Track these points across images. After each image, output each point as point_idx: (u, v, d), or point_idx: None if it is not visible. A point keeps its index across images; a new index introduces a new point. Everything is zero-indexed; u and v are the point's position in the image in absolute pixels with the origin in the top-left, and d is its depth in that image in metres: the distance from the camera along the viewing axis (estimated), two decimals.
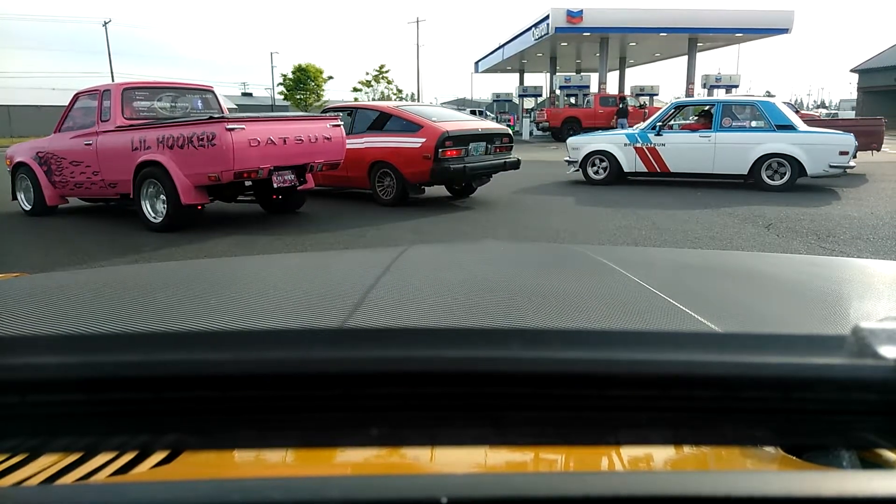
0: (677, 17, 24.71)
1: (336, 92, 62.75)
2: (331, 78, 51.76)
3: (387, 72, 51.54)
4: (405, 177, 7.40)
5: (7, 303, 0.83)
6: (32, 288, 0.96)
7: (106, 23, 44.18)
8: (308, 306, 0.75)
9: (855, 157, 10.69)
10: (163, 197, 6.09)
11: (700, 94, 27.10)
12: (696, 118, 10.07)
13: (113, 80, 40.85)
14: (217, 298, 0.82)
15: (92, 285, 0.98)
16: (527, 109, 32.49)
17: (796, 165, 8.39)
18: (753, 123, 8.95)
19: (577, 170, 9.81)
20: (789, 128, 8.54)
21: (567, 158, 10.04)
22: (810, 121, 12.48)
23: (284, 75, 49.81)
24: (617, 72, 33.45)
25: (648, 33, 25.70)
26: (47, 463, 0.56)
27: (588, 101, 24.95)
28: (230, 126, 5.69)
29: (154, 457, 0.57)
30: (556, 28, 24.23)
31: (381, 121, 7.76)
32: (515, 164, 8.18)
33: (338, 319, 0.68)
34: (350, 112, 8.20)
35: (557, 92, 28.62)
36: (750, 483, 0.27)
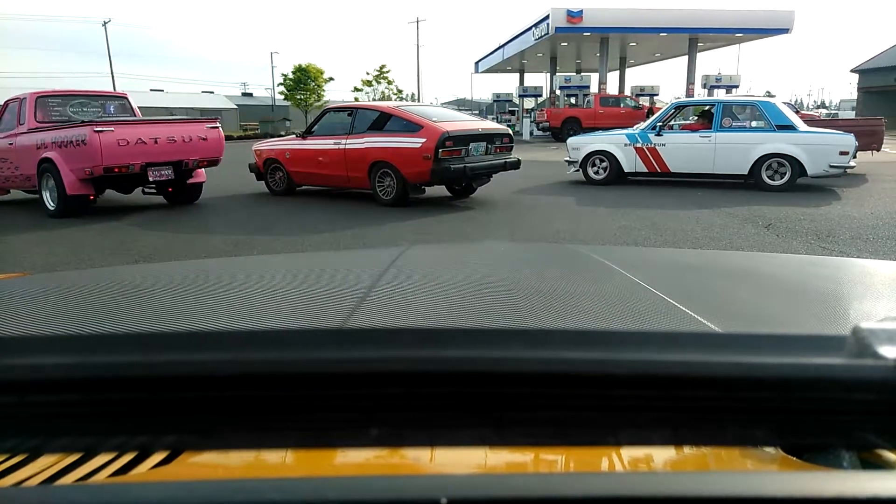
0: (677, 17, 24.71)
1: (336, 92, 62.77)
2: (331, 78, 51.75)
3: (387, 72, 51.54)
4: (405, 177, 7.42)
5: (7, 303, 0.83)
6: (32, 288, 0.96)
7: (106, 23, 44.19)
8: (308, 306, 0.75)
9: (855, 157, 10.71)
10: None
11: (700, 94, 27.10)
12: (696, 118, 10.08)
13: (113, 80, 40.92)
14: (217, 298, 0.82)
15: (92, 285, 0.98)
16: (527, 109, 32.50)
17: (797, 165, 8.41)
18: (754, 123, 8.97)
19: (578, 170, 9.83)
20: (790, 128, 8.57)
21: (567, 158, 10.06)
22: (810, 121, 12.48)
23: (285, 75, 49.82)
24: (617, 72, 33.45)
25: (648, 33, 25.70)
26: (47, 463, 0.56)
27: (588, 102, 24.94)
28: (98, 129, 6.86)
29: (154, 457, 0.57)
30: (556, 28, 24.22)
31: (382, 121, 7.77)
32: (516, 164, 8.21)
33: (338, 319, 0.68)
34: (350, 112, 8.27)
35: (557, 92, 28.62)
36: (750, 483, 0.27)
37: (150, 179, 7.39)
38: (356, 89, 52.00)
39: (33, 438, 0.32)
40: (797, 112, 14.76)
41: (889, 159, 13.31)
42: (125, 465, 0.57)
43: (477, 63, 43.05)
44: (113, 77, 41.96)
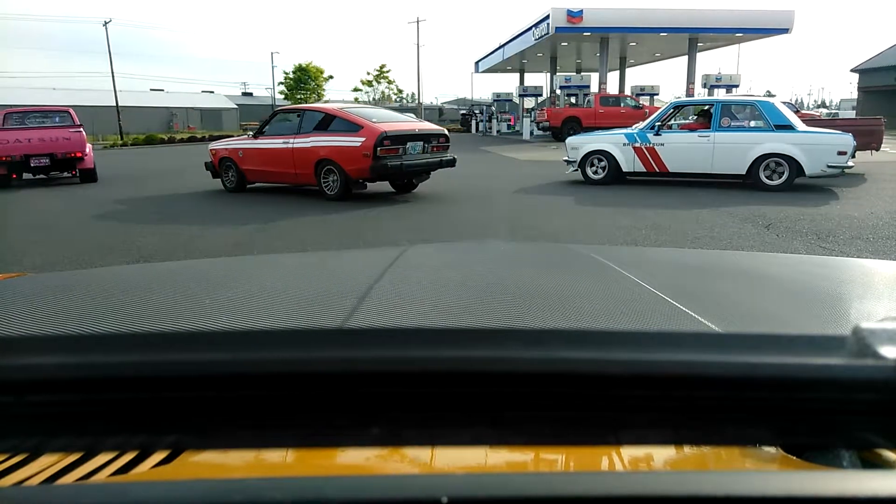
0: (677, 17, 24.69)
1: (337, 92, 62.86)
2: (331, 77, 51.85)
3: (387, 72, 51.63)
4: (348, 173, 8.05)
5: (7, 303, 0.83)
6: (32, 288, 0.96)
7: (106, 23, 44.15)
8: (308, 306, 0.75)
9: (854, 156, 10.71)
10: None
11: (700, 93, 27.08)
12: (695, 118, 10.05)
13: (113, 80, 40.87)
14: (217, 298, 0.82)
15: (92, 285, 0.98)
16: (527, 109, 32.48)
17: (794, 165, 8.42)
18: (752, 123, 8.97)
19: (576, 169, 9.85)
20: (788, 128, 8.57)
21: (566, 158, 10.11)
22: (811, 120, 12.46)
23: (286, 73, 49.87)
24: (617, 72, 33.44)
25: (648, 33, 25.68)
26: (47, 463, 0.56)
27: (588, 101, 24.93)
28: None
29: (154, 457, 0.57)
30: (556, 28, 24.21)
31: (326, 122, 8.40)
32: (451, 162, 8.82)
33: (338, 319, 0.68)
34: (298, 114, 8.96)
35: (558, 92, 28.61)
36: (750, 483, 0.27)
37: (32, 165, 11.44)
38: (356, 89, 52.10)
39: (33, 438, 0.32)
40: (797, 112, 14.73)
41: (889, 159, 13.31)
42: (125, 465, 0.57)
43: (477, 63, 43.04)
44: (113, 77, 41.88)
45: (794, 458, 0.53)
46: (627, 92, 28.86)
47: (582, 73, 30.00)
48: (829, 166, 8.31)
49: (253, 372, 0.31)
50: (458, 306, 0.75)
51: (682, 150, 9.12)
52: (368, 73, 61.10)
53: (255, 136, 9.32)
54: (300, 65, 49.65)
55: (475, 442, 0.37)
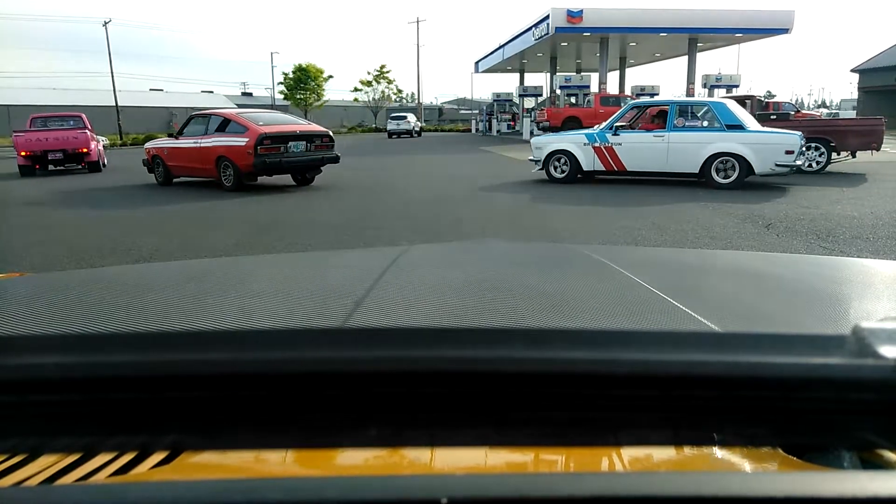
0: (677, 17, 24.70)
1: (336, 92, 62.82)
2: (331, 77, 51.84)
3: (387, 72, 51.64)
4: (239, 168, 9.66)
5: (7, 303, 0.83)
6: (32, 288, 0.96)
7: (106, 23, 44.14)
8: (308, 306, 0.75)
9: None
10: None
11: (700, 93, 27.09)
12: (655, 118, 10.27)
13: (113, 80, 40.94)
14: (217, 298, 0.82)
15: (91, 285, 0.98)
16: (527, 109, 32.48)
17: (744, 164, 8.66)
18: (705, 123, 9.23)
19: (541, 168, 10.12)
20: (738, 127, 8.83)
21: (531, 158, 10.40)
22: (811, 120, 12.48)
23: (286, 74, 49.88)
24: (617, 72, 33.45)
25: (648, 33, 25.69)
26: (47, 463, 0.56)
27: (588, 101, 24.93)
28: (15, 132, 15.09)
29: (154, 457, 0.57)
30: (556, 28, 24.21)
31: (224, 124, 10.07)
32: (335, 159, 10.36)
33: (338, 319, 0.68)
34: (206, 117, 10.58)
35: (558, 92, 28.62)
36: (750, 483, 0.27)
37: (49, 158, 14.65)
38: (356, 89, 52.08)
39: (33, 438, 0.32)
40: (797, 112, 14.66)
41: (889, 159, 13.30)
42: (125, 465, 0.57)
43: (477, 63, 43.04)
44: (113, 77, 41.87)
45: (794, 458, 0.53)
46: (627, 92, 28.86)
47: (582, 73, 30.00)
48: (777, 165, 8.54)
49: (253, 372, 0.31)
50: (459, 306, 0.75)
51: (639, 149, 9.44)
52: (368, 73, 61.12)
53: (176, 137, 10.95)
54: (300, 65, 49.73)
55: (475, 442, 0.37)
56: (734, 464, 0.53)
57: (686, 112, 9.43)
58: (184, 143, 10.60)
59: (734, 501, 0.25)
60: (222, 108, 11.24)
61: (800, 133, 8.85)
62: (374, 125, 53.31)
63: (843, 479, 0.30)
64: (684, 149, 9.07)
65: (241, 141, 9.55)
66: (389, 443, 0.41)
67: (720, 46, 30.40)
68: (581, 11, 23.97)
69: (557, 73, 31.14)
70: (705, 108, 9.44)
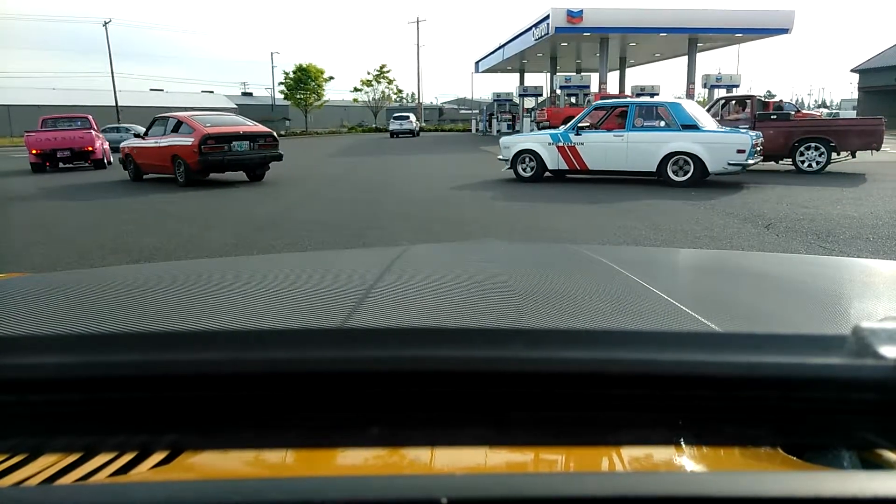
0: (677, 17, 24.68)
1: (337, 92, 62.83)
2: (331, 78, 51.79)
3: (388, 72, 51.61)
4: (188, 165, 10.77)
5: (7, 303, 0.83)
6: (32, 288, 0.96)
7: (106, 23, 44.16)
8: (308, 306, 0.75)
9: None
10: None
11: (700, 93, 27.10)
12: (619, 118, 10.63)
13: (113, 80, 41.00)
14: (217, 298, 0.82)
15: (92, 285, 0.98)
16: (527, 109, 32.48)
17: (699, 163, 9.05)
18: (662, 123, 9.56)
19: (510, 167, 10.49)
20: (693, 127, 9.22)
21: (500, 157, 10.76)
22: (810, 120, 12.48)
23: (286, 73, 49.85)
24: (617, 72, 33.44)
25: (648, 33, 25.68)
26: (47, 463, 0.56)
27: (588, 101, 24.91)
28: (26, 132, 16.47)
29: (154, 457, 0.57)
30: (556, 28, 24.20)
31: (178, 126, 11.28)
32: (277, 157, 11.52)
33: (338, 319, 0.68)
34: (164, 120, 11.76)
35: (558, 92, 28.61)
36: (750, 483, 0.27)
37: (57, 156, 15.94)
38: (356, 89, 52.07)
39: (33, 438, 0.32)
40: (797, 112, 14.66)
41: (889, 159, 13.30)
42: (125, 465, 0.57)
43: (477, 63, 43.02)
44: (113, 77, 41.91)
45: (794, 458, 0.53)
46: (628, 92, 28.84)
47: (582, 73, 29.98)
48: (729, 164, 8.88)
49: (253, 372, 0.31)
50: (459, 306, 0.75)
51: (600, 148, 9.85)
52: (368, 73, 61.10)
53: (143, 137, 12.24)
54: (300, 65, 49.64)
55: (475, 442, 0.37)
56: (734, 464, 0.53)
57: (644, 112, 9.82)
58: (148, 143, 11.86)
59: (734, 501, 0.25)
60: (179, 112, 12.19)
61: (755, 133, 9.25)
62: (374, 125, 53.29)
63: (843, 479, 0.30)
64: (642, 148, 9.46)
65: (188, 141, 10.72)
66: (389, 443, 0.41)
67: (720, 46, 30.39)
68: (581, 11, 23.96)
69: (557, 73, 31.13)
70: (662, 108, 9.78)
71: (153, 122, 12.15)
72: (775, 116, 12.38)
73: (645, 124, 9.64)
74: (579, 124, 10.09)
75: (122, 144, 13.23)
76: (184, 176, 10.98)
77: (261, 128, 11.67)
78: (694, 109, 9.68)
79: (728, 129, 9.70)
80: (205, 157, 10.59)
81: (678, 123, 9.25)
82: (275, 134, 11.63)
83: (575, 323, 0.67)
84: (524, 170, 10.40)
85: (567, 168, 10.13)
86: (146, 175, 12.25)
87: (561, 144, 10.08)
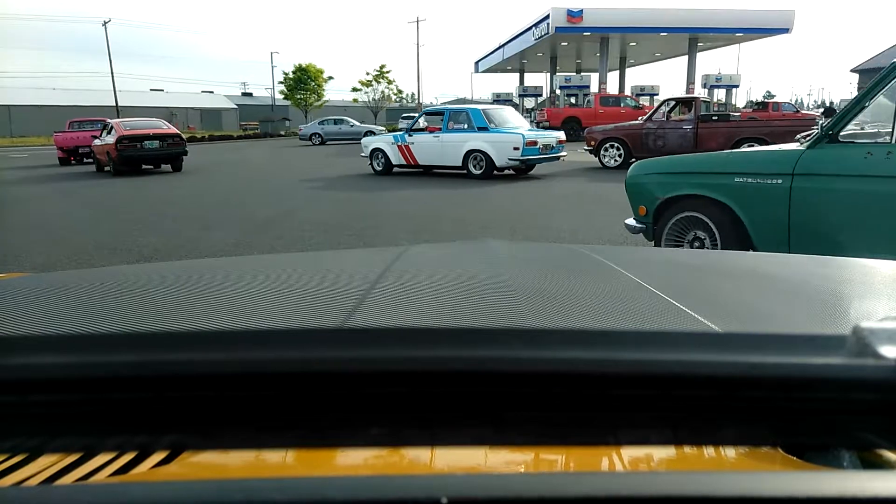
0: (677, 17, 24.71)
1: (336, 92, 62.81)
2: (331, 78, 51.80)
3: (387, 72, 51.58)
4: (114, 159, 14.41)
5: (7, 303, 0.83)
6: (32, 288, 0.96)
7: (105, 22, 44.15)
8: (308, 306, 0.75)
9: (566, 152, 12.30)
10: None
11: (700, 93, 27.10)
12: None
13: (113, 80, 41.05)
14: (217, 298, 0.82)
15: (91, 285, 0.98)
16: (527, 109, 32.50)
17: (488, 158, 11.06)
18: (466, 126, 11.54)
19: (370, 163, 12.84)
20: (485, 129, 11.24)
21: (362, 154, 13.06)
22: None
23: (286, 73, 49.85)
24: (617, 71, 33.46)
25: (648, 33, 25.71)
26: (47, 463, 0.56)
27: (588, 101, 24.90)
28: (55, 133, 20.53)
29: (154, 457, 0.57)
30: (556, 28, 24.23)
31: (110, 129, 14.91)
32: (183, 153, 15.10)
33: (338, 319, 0.68)
34: (108, 124, 15.38)
35: (558, 92, 28.64)
36: (750, 483, 0.27)
37: (80, 152, 19.02)
38: (355, 89, 52.04)
39: (33, 438, 0.32)
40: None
41: None
42: (125, 465, 0.57)
43: (477, 63, 43.07)
44: (113, 77, 41.87)
45: (794, 458, 0.53)
46: (627, 92, 28.87)
47: (582, 73, 30.03)
48: (510, 160, 10.86)
49: (253, 372, 0.31)
50: (459, 306, 0.75)
51: (425, 147, 11.96)
52: (368, 73, 61.03)
53: (100, 137, 15.84)
54: (300, 65, 49.63)
55: (475, 442, 0.37)
56: (734, 464, 0.53)
57: (455, 117, 11.87)
58: (99, 141, 15.78)
59: (734, 501, 0.26)
60: (115, 119, 16.13)
61: (523, 133, 11.09)
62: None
63: (843, 479, 0.30)
64: (452, 146, 11.54)
65: (111, 140, 14.43)
66: (389, 443, 0.41)
67: (720, 46, 30.41)
68: (581, 11, 23.99)
69: (557, 73, 31.16)
70: (465, 113, 11.82)
71: (103, 127, 16.01)
72: (716, 118, 13.13)
73: (454, 127, 11.65)
74: (412, 128, 12.25)
75: (93, 144, 16.96)
76: (111, 167, 14.79)
77: (171, 129, 15.52)
78: (493, 114, 11.69)
79: (507, 130, 11.39)
80: (121, 154, 14.30)
81: (475, 126, 11.28)
82: (182, 135, 15.59)
83: (575, 323, 0.67)
84: (377, 164, 12.73)
85: (406, 163, 12.27)
86: (105, 168, 15.50)
87: (400, 144, 12.25)
